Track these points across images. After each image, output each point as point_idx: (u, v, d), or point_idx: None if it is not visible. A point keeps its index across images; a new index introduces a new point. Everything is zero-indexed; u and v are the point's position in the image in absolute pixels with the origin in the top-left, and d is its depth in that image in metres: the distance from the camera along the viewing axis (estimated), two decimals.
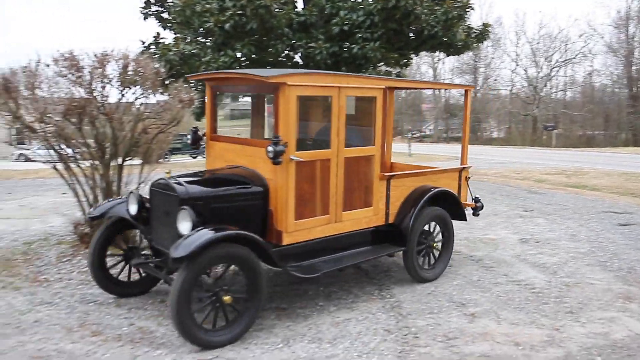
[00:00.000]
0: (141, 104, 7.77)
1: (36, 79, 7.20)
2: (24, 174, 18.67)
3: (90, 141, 7.54)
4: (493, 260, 7.92)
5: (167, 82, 9.93)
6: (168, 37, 14.71)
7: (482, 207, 7.55)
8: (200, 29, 12.42)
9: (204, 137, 6.52)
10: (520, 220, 10.86)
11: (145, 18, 15.25)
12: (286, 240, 5.51)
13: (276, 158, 5.18)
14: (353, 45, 12.14)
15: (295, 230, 5.55)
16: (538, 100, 58.62)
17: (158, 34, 13.99)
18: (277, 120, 5.38)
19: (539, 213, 11.73)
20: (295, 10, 12.81)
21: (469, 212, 7.63)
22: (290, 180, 5.42)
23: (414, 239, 6.43)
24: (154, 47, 13.60)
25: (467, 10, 13.36)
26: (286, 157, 5.31)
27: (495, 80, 63.71)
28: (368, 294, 6.39)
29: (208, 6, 11.66)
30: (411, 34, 12.92)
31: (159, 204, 5.50)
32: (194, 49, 12.37)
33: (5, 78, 7.11)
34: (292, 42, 12.48)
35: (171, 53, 12.72)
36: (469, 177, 7.52)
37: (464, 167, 7.36)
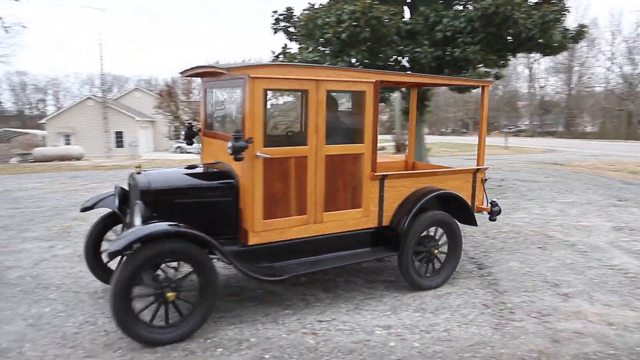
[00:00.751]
0: (271, 105, 8.61)
1: (190, 85, 8.18)
2: (179, 162, 20.15)
3: None
4: (587, 245, 8.30)
5: None
6: (293, 47, 16.96)
7: (499, 212, 6.93)
8: (321, 39, 13.92)
9: (199, 133, 6.39)
10: (614, 209, 11.20)
11: (275, 32, 17.16)
12: (253, 240, 5.30)
13: (236, 154, 4.98)
14: (455, 49, 12.94)
15: (264, 230, 5.33)
16: (633, 96, 59.26)
17: (285, 45, 15.87)
18: (243, 115, 5.14)
19: (634, 203, 12.10)
20: (403, 20, 13.99)
21: (484, 216, 7.11)
22: (256, 178, 5.20)
23: (409, 243, 6.00)
24: (282, 56, 15.53)
25: (563, 12, 13.60)
26: (252, 153, 5.08)
27: (589, 78, 65.20)
28: (467, 272, 6.99)
29: (327, 20, 13.14)
30: (509, 37, 13.43)
31: (132, 197, 5.52)
32: (316, 57, 13.77)
33: (169, 86, 7.92)
34: (400, 48, 13.55)
35: (296, 60, 14.28)
36: (486, 179, 6.92)
37: (479, 169, 6.79)
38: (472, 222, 6.63)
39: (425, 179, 6.39)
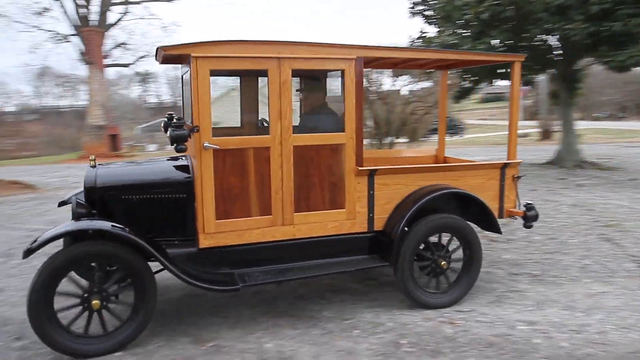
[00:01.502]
0: (409, 90, 9.53)
1: None
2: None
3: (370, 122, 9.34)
4: None
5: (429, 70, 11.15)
6: (430, 31, 16.83)
7: (535, 217, 5.71)
8: (459, 21, 13.57)
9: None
10: None
11: (412, 16, 17.06)
12: (204, 242, 4.68)
13: (174, 144, 4.42)
14: (614, 23, 11.71)
15: (217, 231, 4.68)
16: None
17: (423, 29, 15.65)
18: (190, 100, 4.54)
19: None
20: None
21: (517, 222, 6.04)
22: (205, 172, 4.58)
23: (404, 252, 5.04)
24: (419, 40, 15.26)
25: None
26: (200, 144, 4.50)
27: None
28: (627, 271, 6.35)
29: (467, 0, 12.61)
30: None
31: None
32: (454, 40, 13.26)
33: None
34: (548, 25, 12.60)
35: (434, 44, 14.02)
36: (519, 177, 5.75)
37: (508, 163, 5.62)
38: (495, 228, 5.51)
39: (431, 175, 5.36)
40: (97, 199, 4.75)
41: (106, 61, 30.28)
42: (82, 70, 33.64)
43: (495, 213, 5.60)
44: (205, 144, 4.50)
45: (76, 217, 4.55)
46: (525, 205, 5.71)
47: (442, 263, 5.29)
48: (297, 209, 4.88)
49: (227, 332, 4.81)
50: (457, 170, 5.47)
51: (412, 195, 5.21)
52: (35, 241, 4.23)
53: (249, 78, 5.95)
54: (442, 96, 6.65)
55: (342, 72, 4.84)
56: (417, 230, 5.07)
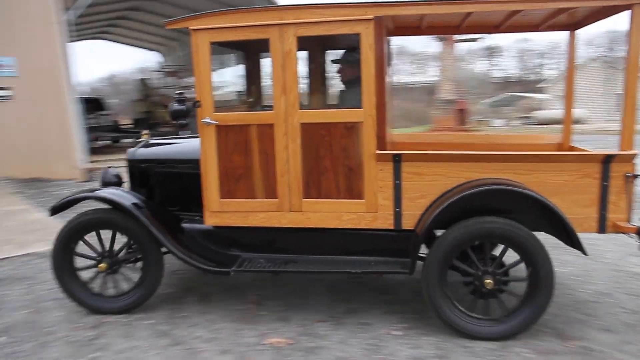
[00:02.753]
0: None
1: None
2: None
3: None
4: None
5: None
6: None
7: None
8: None
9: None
10: None
11: None
12: (209, 220, 4.68)
13: (174, 119, 4.63)
14: None
15: (222, 210, 4.62)
16: None
17: None
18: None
19: None
20: None
21: (630, 240, 4.53)
22: (209, 149, 4.55)
23: (431, 261, 4.18)
24: None
25: None
26: (200, 119, 4.51)
27: None
28: None
29: None
30: None
31: None
32: None
33: None
34: None
35: None
36: (636, 176, 4.15)
37: (615, 155, 4.09)
38: (575, 244, 4.09)
39: (486, 165, 4.23)
40: (134, 171, 5.18)
41: (457, 37, 30.65)
42: (434, 47, 34.53)
43: (592, 225, 4.21)
44: (204, 120, 4.44)
45: (102, 185, 4.99)
46: None
47: (487, 281, 4.19)
48: (307, 194, 4.47)
49: (596, 334, 4.34)
50: (528, 162, 4.20)
51: (454, 189, 4.24)
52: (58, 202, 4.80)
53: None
54: (570, 63, 5.24)
55: (359, 36, 4.18)
56: (446, 234, 4.14)
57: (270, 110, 4.41)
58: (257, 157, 4.47)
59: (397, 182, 4.32)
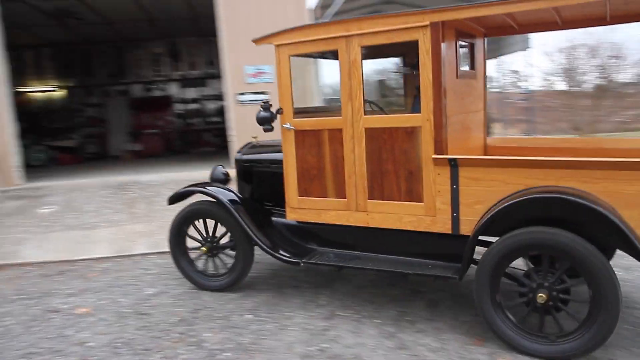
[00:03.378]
0: None
1: None
2: None
3: None
4: None
5: None
6: None
7: None
8: None
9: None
10: None
11: None
12: (290, 215, 5.25)
13: (260, 124, 5.13)
14: None
15: (300, 207, 5.17)
16: None
17: None
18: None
19: None
20: None
21: None
22: (289, 151, 5.12)
23: (483, 268, 4.20)
24: None
25: None
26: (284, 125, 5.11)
27: None
28: None
29: None
30: None
31: None
32: None
33: None
34: None
35: None
36: None
37: None
38: None
39: (549, 172, 4.07)
40: (240, 169, 6.00)
41: None
42: None
43: None
44: (284, 125, 5.03)
45: (211, 181, 5.90)
46: None
47: (540, 295, 4.05)
48: (371, 195, 4.80)
49: None
50: (596, 169, 3.94)
51: (512, 196, 4.17)
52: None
53: None
54: None
55: (417, 42, 4.41)
56: (498, 242, 4.15)
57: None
58: (329, 160, 4.93)
59: (455, 186, 4.43)
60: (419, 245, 4.77)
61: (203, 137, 20.42)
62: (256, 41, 5.15)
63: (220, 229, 5.65)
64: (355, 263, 4.87)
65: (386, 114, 5.37)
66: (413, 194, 4.64)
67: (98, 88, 21.43)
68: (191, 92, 21.44)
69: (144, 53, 20.75)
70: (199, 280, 5.75)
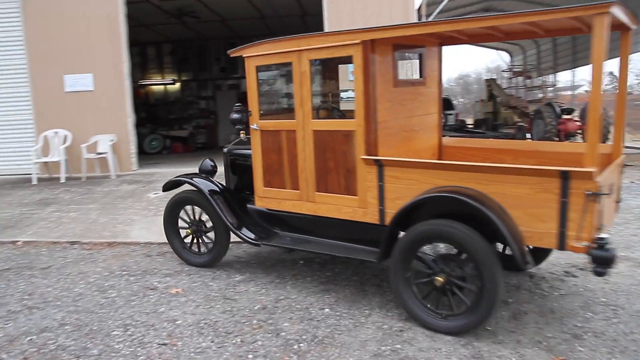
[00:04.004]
0: None
1: None
2: None
3: None
4: None
5: None
6: None
7: (607, 260, 4.03)
8: None
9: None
10: None
11: None
12: (258, 203, 6.13)
13: (233, 124, 6.18)
14: None
15: (265, 196, 6.03)
16: None
17: None
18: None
19: None
20: None
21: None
22: (256, 148, 5.99)
23: (396, 254, 4.86)
24: None
25: None
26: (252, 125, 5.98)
27: None
28: None
29: None
30: None
31: None
32: None
33: None
34: None
35: None
36: (597, 194, 4.05)
37: (572, 172, 4.12)
38: (517, 258, 4.29)
39: (455, 174, 4.62)
40: (226, 162, 6.85)
41: None
42: None
43: (552, 241, 4.29)
44: (252, 126, 5.90)
45: (200, 172, 6.73)
46: (596, 240, 4.08)
47: (438, 278, 4.66)
48: (318, 188, 5.55)
49: None
50: (488, 172, 4.47)
51: (424, 194, 4.76)
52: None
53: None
54: (623, 68, 5.17)
55: (351, 57, 5.09)
56: (406, 234, 4.79)
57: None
58: (286, 156, 5.71)
59: (381, 183, 5.08)
60: (356, 233, 5.45)
61: None
62: (230, 53, 6.04)
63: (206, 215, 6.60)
64: (304, 246, 5.66)
65: (346, 117, 6.00)
66: (350, 189, 5.33)
67: (210, 82, 23.12)
68: None
69: None
70: (185, 256, 6.69)
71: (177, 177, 6.71)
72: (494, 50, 34.09)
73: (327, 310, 5.22)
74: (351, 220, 5.37)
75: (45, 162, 12.68)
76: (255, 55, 5.75)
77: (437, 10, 14.67)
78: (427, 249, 4.97)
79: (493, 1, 23.04)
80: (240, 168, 6.67)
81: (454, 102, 29.56)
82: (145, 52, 22.98)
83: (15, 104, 13.30)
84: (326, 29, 11.81)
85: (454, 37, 5.88)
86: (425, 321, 4.74)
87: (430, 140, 6.29)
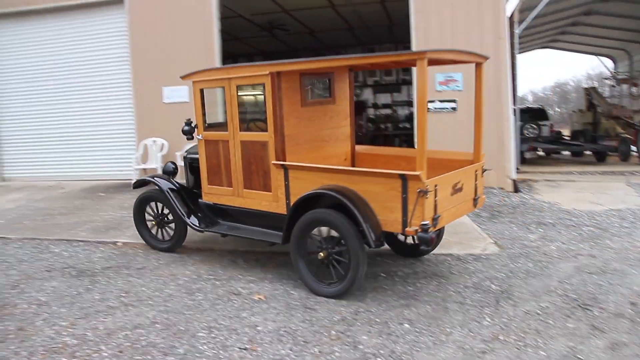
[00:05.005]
0: None
1: None
2: None
3: None
4: None
5: None
6: None
7: (426, 241, 5.35)
8: None
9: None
10: None
11: None
12: (205, 198, 7.62)
13: (184, 134, 7.55)
14: None
15: (209, 193, 7.53)
16: None
17: None
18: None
19: None
20: None
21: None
22: (202, 154, 7.49)
23: (292, 239, 6.23)
24: None
25: None
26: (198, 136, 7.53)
27: None
28: None
29: None
30: None
31: None
32: None
33: None
34: None
35: None
36: (424, 192, 5.31)
37: (407, 175, 5.42)
38: (367, 237, 5.62)
39: (335, 176, 6.00)
40: (185, 163, 8.22)
41: None
42: None
43: (397, 227, 5.63)
44: (197, 136, 7.43)
45: (163, 173, 8.16)
46: (421, 225, 5.37)
47: (320, 254, 6.05)
48: (245, 186, 7.00)
49: None
50: (362, 175, 5.83)
51: (312, 191, 6.13)
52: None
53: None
54: (478, 90, 6.47)
55: (263, 85, 6.54)
56: (299, 220, 6.14)
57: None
58: (222, 161, 7.19)
59: (286, 182, 6.49)
60: (272, 221, 6.73)
61: (393, 142, 21.39)
62: (182, 77, 7.54)
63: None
64: (234, 232, 7.12)
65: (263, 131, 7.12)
66: (266, 186, 6.76)
67: None
68: (384, 98, 22.96)
69: None
70: (151, 243, 8.08)
71: (145, 177, 8.26)
72: (596, 56, 32.19)
73: (406, 325, 5.21)
74: (268, 211, 6.79)
75: (144, 169, 13.49)
76: (199, 80, 7.27)
77: (532, 15, 14.02)
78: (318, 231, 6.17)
79: (594, 4, 22.19)
80: (194, 169, 8.02)
81: (549, 112, 28.51)
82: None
83: (119, 115, 14.77)
84: (413, 40, 12.07)
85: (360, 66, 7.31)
86: (314, 288, 6.12)
87: (342, 148, 7.62)
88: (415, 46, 11.96)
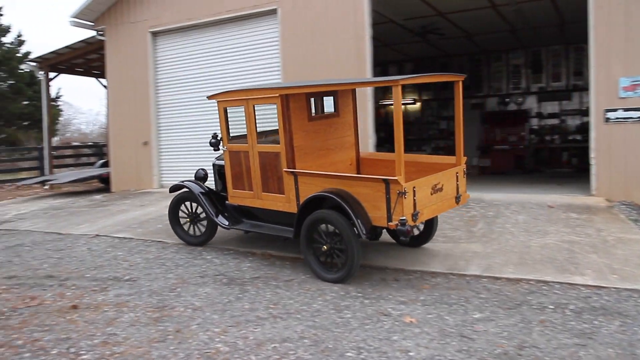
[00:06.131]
0: None
1: None
2: None
3: None
4: None
5: None
6: None
7: (404, 233, 6.65)
8: None
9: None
10: None
11: None
12: (230, 200, 9.09)
13: (211, 146, 9.06)
14: None
15: (234, 195, 9.02)
16: None
17: None
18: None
19: None
20: None
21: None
22: (227, 162, 8.99)
23: (302, 234, 7.52)
24: None
25: None
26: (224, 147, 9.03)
27: None
28: None
29: None
30: None
31: None
32: None
33: None
34: None
35: None
36: (403, 193, 6.60)
37: (390, 179, 6.73)
38: (359, 230, 6.96)
39: (335, 180, 7.36)
40: (214, 170, 9.76)
41: None
42: None
43: (383, 222, 6.93)
44: (222, 148, 8.93)
45: (195, 178, 9.68)
46: (400, 220, 6.71)
47: (324, 247, 7.41)
48: (263, 190, 8.45)
49: None
50: (354, 180, 7.25)
51: (316, 193, 7.54)
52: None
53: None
54: (457, 106, 7.86)
55: (276, 105, 7.94)
56: (307, 219, 7.52)
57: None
58: (244, 168, 8.66)
59: (296, 186, 7.92)
60: (287, 219, 8.01)
61: (560, 157, 19.47)
62: (209, 97, 8.97)
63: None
64: (256, 229, 8.62)
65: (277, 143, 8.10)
66: (281, 190, 8.17)
67: (452, 101, 22.88)
68: (550, 106, 20.31)
69: (501, 64, 20.90)
70: (185, 237, 9.50)
71: (180, 182, 9.67)
72: None
73: None
74: (282, 210, 8.23)
75: None
76: (223, 100, 8.76)
77: None
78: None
79: None
80: (222, 175, 9.46)
81: None
82: (387, 72, 22.64)
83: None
84: (591, 39, 10.67)
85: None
86: (320, 274, 7.48)
87: (347, 154, 8.87)
88: (595, 46, 10.62)
